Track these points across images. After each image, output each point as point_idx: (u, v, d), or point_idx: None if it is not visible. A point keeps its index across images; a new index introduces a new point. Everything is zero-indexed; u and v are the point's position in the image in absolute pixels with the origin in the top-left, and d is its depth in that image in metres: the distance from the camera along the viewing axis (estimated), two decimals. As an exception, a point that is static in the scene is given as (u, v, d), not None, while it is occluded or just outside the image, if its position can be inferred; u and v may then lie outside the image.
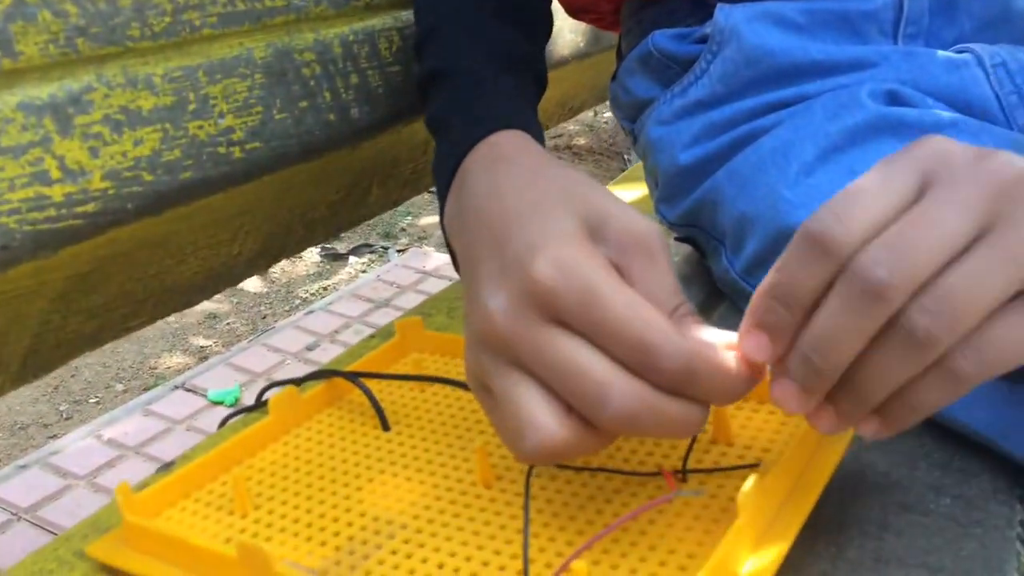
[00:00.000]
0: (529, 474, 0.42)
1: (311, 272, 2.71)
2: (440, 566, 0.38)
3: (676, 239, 0.74)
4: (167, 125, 0.52)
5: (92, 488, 1.52)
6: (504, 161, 0.44)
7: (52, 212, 0.46)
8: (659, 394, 0.34)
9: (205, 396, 1.78)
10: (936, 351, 0.30)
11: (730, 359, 0.34)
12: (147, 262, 0.54)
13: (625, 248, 0.36)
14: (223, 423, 0.55)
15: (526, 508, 0.41)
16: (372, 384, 0.53)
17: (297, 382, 0.53)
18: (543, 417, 0.34)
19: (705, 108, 0.64)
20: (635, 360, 0.34)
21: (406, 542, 0.40)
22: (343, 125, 0.64)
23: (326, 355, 1.94)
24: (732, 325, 0.36)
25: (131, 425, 1.68)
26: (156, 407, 1.75)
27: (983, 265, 0.30)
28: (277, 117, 0.59)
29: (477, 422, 0.49)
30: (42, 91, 0.46)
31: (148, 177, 0.50)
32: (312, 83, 0.61)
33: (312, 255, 2.83)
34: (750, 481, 0.36)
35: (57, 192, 0.46)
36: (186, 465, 0.45)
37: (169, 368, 2.13)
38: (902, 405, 0.33)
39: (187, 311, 2.42)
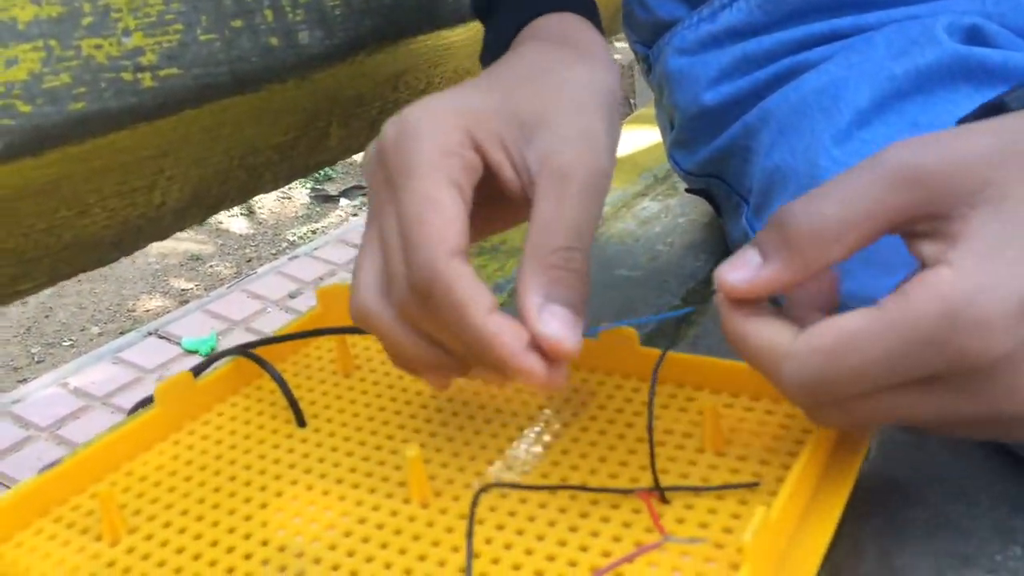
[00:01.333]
0: (476, 500, 0.33)
1: (300, 214, 2.62)
2: (357, 621, 0.30)
3: (688, 191, 0.64)
4: (52, 43, 0.42)
5: (55, 440, 1.45)
6: (530, 42, 0.41)
7: None
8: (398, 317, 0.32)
9: (179, 344, 1.70)
10: None
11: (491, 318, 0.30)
12: (33, 214, 0.44)
13: (542, 166, 0.33)
14: (133, 411, 0.46)
15: (469, 540, 0.32)
16: (287, 368, 0.44)
17: (197, 370, 0.43)
18: (366, 278, 0.33)
19: (739, 38, 0.53)
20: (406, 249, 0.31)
21: (319, 584, 0.31)
22: (288, 52, 0.53)
23: (308, 304, 1.86)
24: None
25: (99, 373, 1.60)
26: (127, 355, 1.66)
27: None
28: (202, 38, 0.48)
29: (412, 417, 0.40)
30: None
31: (23, 108, 0.41)
32: (249, -1, 0.51)
33: (302, 196, 2.73)
34: (757, 519, 0.28)
35: None
36: (53, 470, 0.36)
37: (148, 311, 2.04)
38: None
39: (169, 251, 2.33)
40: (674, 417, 0.38)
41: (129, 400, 1.54)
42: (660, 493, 0.34)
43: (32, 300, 2.06)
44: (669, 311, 0.54)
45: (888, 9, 0.47)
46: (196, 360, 1.65)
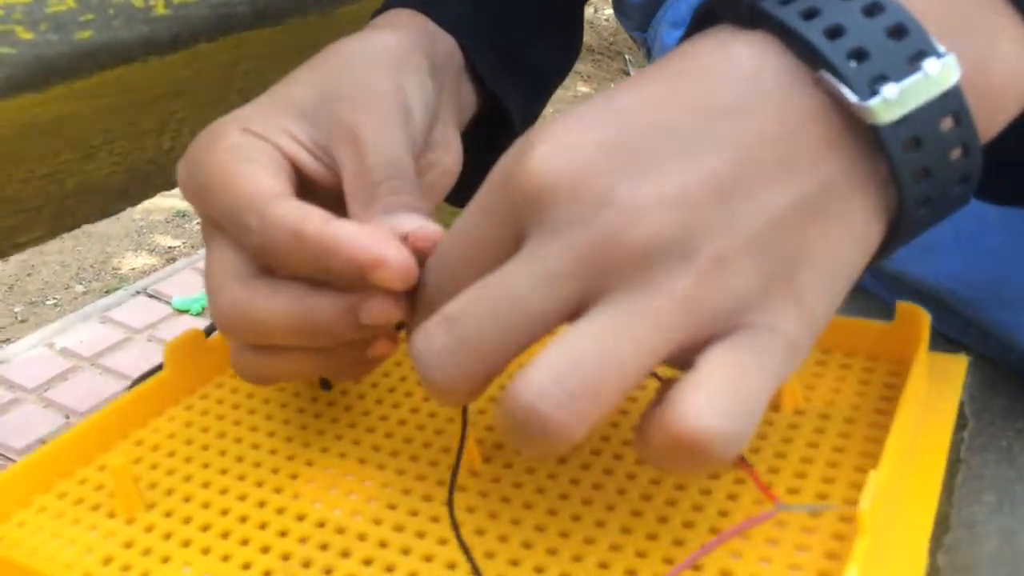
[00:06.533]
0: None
1: (290, 173, 2.56)
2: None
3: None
4: (57, -36, 0.38)
5: (42, 403, 1.40)
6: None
7: None
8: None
9: (169, 303, 1.65)
10: None
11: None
12: (35, 157, 0.40)
13: (330, 137, 0.32)
14: (135, 383, 0.42)
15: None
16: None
17: (208, 329, 0.39)
18: (218, 279, 0.29)
19: None
20: None
21: (367, 563, 0.28)
22: (309, -15, 0.49)
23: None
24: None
25: (87, 333, 1.55)
26: (115, 314, 1.61)
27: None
28: (218, -33, 0.44)
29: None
30: None
31: (25, 35, 0.37)
32: (269, -75, 0.47)
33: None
34: (871, 483, 0.25)
35: None
36: (54, 441, 0.33)
37: (134, 269, 1.99)
38: None
39: (153, 208, 2.27)
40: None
41: (118, 361, 1.50)
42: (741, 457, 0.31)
43: (12, 257, 2.01)
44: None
45: None
46: (187, 320, 1.61)
